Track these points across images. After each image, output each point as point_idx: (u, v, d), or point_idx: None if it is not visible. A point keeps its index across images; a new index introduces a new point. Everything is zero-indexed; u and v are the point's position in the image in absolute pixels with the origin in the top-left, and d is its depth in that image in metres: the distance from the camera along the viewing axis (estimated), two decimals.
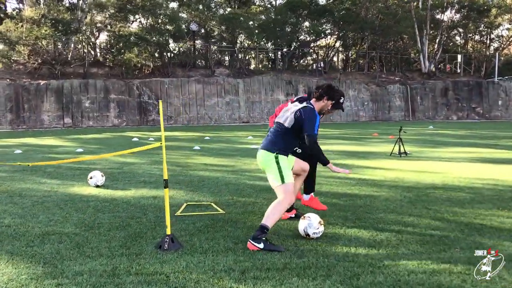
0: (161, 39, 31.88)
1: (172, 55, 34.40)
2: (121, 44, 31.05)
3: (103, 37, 34.87)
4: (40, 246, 4.14)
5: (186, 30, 34.13)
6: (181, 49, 34.98)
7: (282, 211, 4.16)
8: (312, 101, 4.57)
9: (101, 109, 29.31)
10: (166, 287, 3.21)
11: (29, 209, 5.64)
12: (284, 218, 5.10)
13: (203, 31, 36.08)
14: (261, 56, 39.51)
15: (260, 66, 38.57)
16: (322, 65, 39.19)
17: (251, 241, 4.05)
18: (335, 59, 41.36)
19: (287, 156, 4.38)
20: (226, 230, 4.66)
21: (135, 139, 17.53)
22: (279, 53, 38.89)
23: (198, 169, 9.20)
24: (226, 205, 5.84)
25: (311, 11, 37.11)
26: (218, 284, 3.28)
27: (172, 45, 34.87)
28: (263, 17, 37.11)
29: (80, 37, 31.30)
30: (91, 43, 33.25)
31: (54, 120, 28.18)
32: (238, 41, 37.70)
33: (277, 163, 4.24)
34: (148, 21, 33.81)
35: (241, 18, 33.39)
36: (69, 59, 31.57)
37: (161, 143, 4.09)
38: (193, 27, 34.19)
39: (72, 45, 32.58)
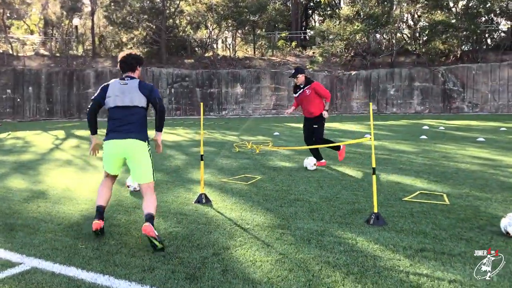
0: (472, 25, 30.14)
1: (486, 38, 32.05)
2: (426, 32, 31.10)
3: (411, 26, 35.50)
4: (287, 207, 5.76)
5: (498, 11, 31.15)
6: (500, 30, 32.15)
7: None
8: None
9: (405, 96, 30.38)
10: (349, 253, 4.24)
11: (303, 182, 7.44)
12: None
13: None
14: None
15: None
16: None
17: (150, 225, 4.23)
18: None
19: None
20: (436, 218, 5.17)
21: (425, 127, 17.92)
22: None
23: (461, 161, 9.29)
24: (457, 197, 6.14)
25: None
26: (385, 256, 4.09)
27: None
28: None
29: (389, 29, 32.89)
30: (399, 34, 34.44)
31: (361, 107, 30.97)
32: None
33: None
34: (459, 6, 32.44)
35: None
36: (380, 50, 33.72)
37: (369, 138, 5.03)
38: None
39: (382, 37, 34.57)
